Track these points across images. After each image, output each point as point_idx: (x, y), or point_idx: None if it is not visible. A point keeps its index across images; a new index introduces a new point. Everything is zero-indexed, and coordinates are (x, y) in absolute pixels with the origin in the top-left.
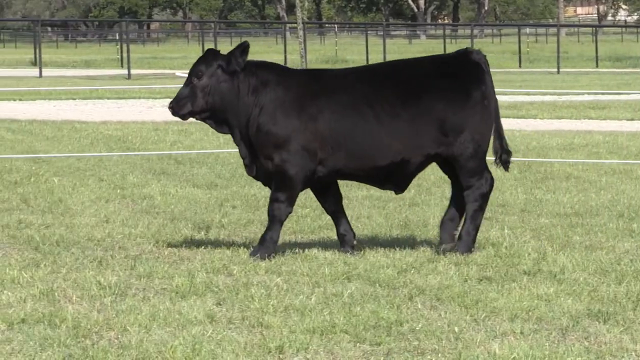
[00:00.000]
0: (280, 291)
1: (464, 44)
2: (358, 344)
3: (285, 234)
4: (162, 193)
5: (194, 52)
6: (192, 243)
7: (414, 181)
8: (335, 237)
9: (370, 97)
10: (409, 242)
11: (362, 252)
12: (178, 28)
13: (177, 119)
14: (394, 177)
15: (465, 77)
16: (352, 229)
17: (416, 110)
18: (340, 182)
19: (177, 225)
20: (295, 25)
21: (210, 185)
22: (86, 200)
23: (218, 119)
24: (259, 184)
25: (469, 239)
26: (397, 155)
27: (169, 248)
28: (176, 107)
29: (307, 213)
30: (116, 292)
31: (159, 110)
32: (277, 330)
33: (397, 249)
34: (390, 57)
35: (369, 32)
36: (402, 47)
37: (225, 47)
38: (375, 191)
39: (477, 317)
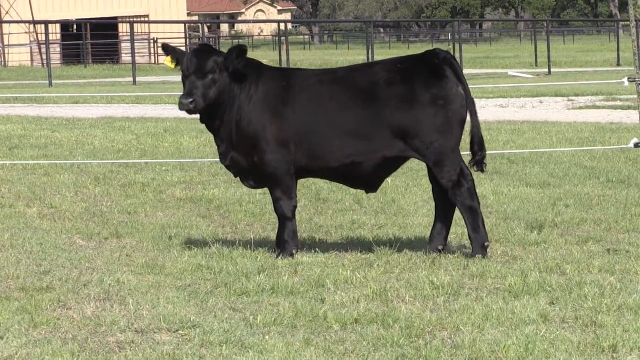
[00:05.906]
0: (613, 290)
1: None
2: None
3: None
4: (495, 192)
5: (527, 51)
6: (524, 242)
7: None
8: None
9: (324, 99)
10: None
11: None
12: (510, 27)
13: None
14: (351, 178)
15: (418, 79)
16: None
17: (366, 113)
18: None
19: (509, 225)
20: (628, 23)
21: (543, 184)
22: (419, 200)
23: (208, 111)
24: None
25: (478, 237)
26: (347, 158)
27: (502, 247)
28: (192, 102)
29: None
30: (449, 292)
31: (491, 110)
32: (611, 329)
33: None
34: None
35: None
36: None
37: (557, 46)
38: None
39: None
